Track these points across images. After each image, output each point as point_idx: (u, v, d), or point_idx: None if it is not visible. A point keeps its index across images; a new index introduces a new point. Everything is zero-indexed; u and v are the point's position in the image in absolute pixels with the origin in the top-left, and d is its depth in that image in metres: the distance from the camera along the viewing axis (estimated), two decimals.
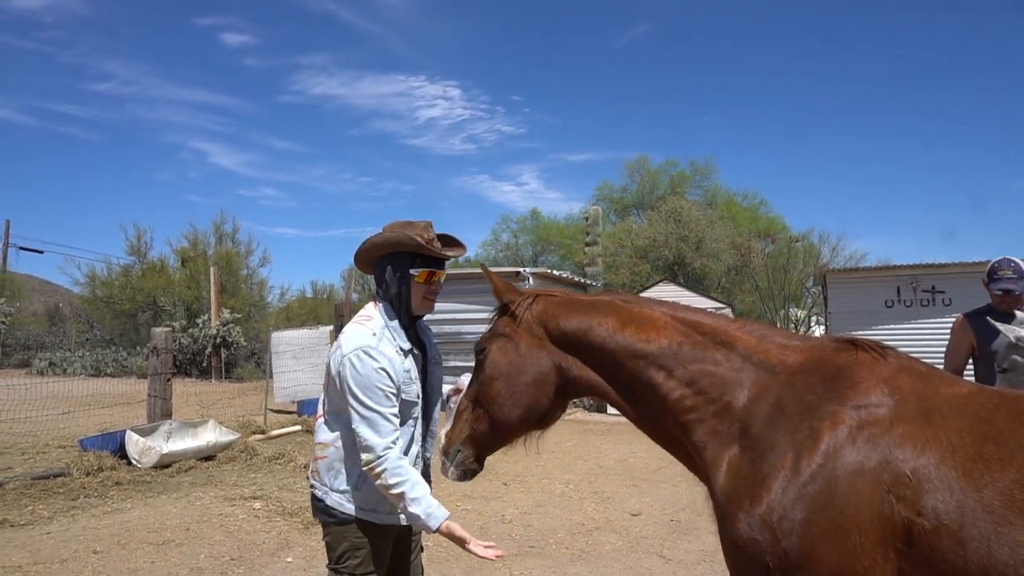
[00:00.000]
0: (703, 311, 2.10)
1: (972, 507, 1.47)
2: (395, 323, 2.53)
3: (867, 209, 62.92)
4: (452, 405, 2.33)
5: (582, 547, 5.70)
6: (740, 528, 1.67)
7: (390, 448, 2.33)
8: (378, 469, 2.32)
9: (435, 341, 2.81)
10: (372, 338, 2.44)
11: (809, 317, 23.76)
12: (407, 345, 2.52)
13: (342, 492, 2.48)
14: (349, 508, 2.48)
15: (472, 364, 2.29)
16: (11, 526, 5.94)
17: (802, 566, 1.58)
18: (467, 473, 2.21)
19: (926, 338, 12.76)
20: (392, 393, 2.39)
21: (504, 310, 2.20)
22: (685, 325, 2.00)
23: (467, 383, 2.29)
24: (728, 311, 19.07)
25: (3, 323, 25.22)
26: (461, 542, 2.29)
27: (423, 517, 2.29)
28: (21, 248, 34.45)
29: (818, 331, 23.46)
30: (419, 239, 2.49)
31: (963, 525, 1.47)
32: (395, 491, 2.32)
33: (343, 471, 2.49)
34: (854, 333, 2.09)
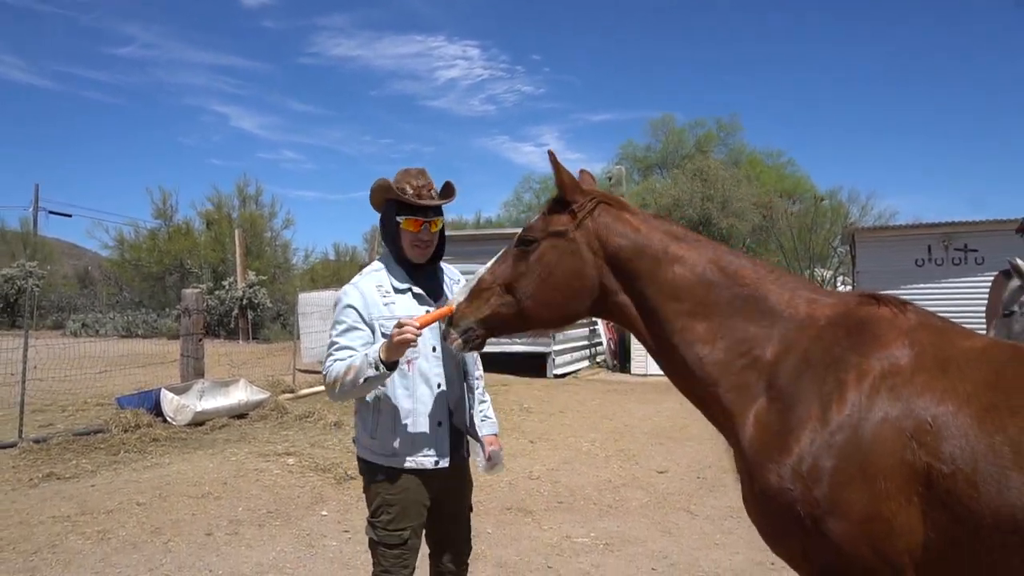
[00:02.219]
0: (745, 258, 2.07)
1: (984, 452, 1.57)
2: (394, 265, 2.61)
3: (898, 166, 61.60)
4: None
5: (610, 503, 5.78)
6: (770, 479, 1.72)
7: (331, 364, 2.43)
8: (328, 380, 2.42)
9: None
10: (357, 278, 2.60)
11: (835, 277, 23.47)
12: (403, 285, 2.56)
13: (365, 443, 2.57)
14: (371, 457, 2.55)
15: None
16: (58, 479, 6.16)
17: (833, 512, 1.64)
18: (471, 347, 2.16)
19: (958, 297, 12.54)
20: (353, 326, 2.47)
21: (563, 205, 2.08)
22: (727, 275, 1.98)
23: (488, 265, 2.17)
24: None
25: (37, 286, 25.76)
26: (395, 346, 2.26)
27: (371, 362, 2.29)
28: (50, 212, 35.11)
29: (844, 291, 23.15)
30: (405, 187, 2.54)
31: (976, 469, 1.56)
32: (346, 376, 2.35)
33: (362, 420, 2.58)
34: (883, 293, 2.07)
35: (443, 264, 2.77)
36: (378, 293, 2.54)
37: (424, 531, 2.63)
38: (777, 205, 26.13)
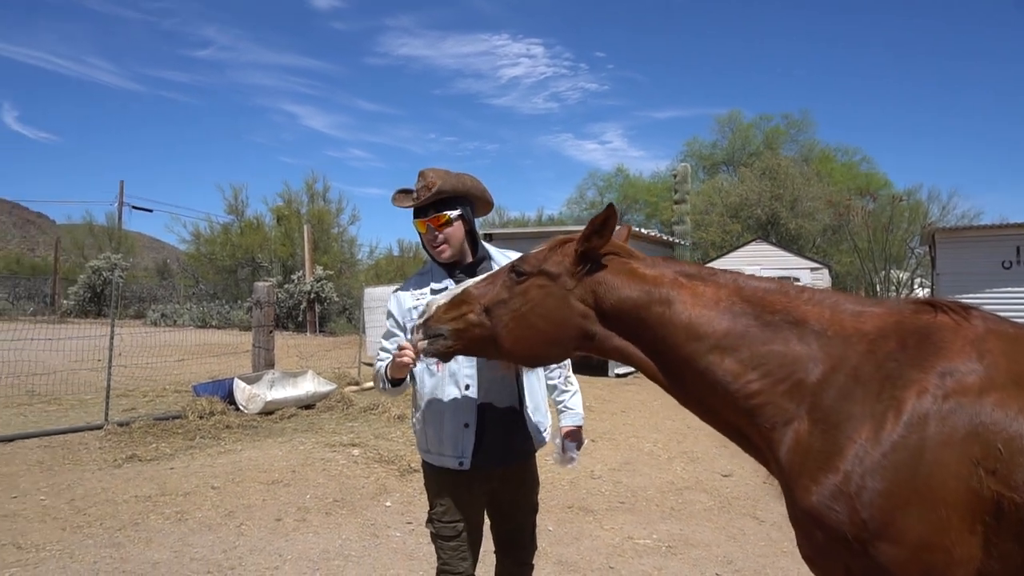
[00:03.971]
0: (772, 282, 1.93)
1: None
2: (436, 266, 2.64)
3: (981, 165, 58.39)
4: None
5: (673, 505, 5.70)
6: (812, 499, 1.61)
7: (375, 366, 2.59)
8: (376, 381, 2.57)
9: None
10: (404, 283, 2.71)
11: (912, 279, 22.48)
12: (440, 285, 2.57)
13: (416, 437, 2.68)
14: (419, 451, 2.67)
15: None
16: (139, 460, 6.49)
17: (883, 536, 1.52)
18: (433, 354, 2.08)
19: None
20: (390, 331, 2.63)
21: (564, 250, 1.99)
22: (753, 304, 1.85)
23: (482, 279, 2.11)
24: (825, 272, 18.29)
25: (121, 277, 27.16)
26: (395, 367, 2.35)
27: (382, 377, 2.50)
28: (133, 207, 36.87)
29: (921, 294, 22.20)
30: (399, 195, 2.59)
31: None
32: (376, 381, 2.54)
33: (413, 415, 2.67)
34: (964, 297, 1.93)
35: (497, 252, 2.72)
36: (411, 296, 2.59)
37: (490, 526, 2.66)
38: (854, 205, 25.19)
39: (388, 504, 5.52)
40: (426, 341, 2.05)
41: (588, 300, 1.94)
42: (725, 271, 1.98)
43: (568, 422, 2.68)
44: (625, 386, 12.35)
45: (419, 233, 2.61)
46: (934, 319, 1.70)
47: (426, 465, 2.64)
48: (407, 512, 5.31)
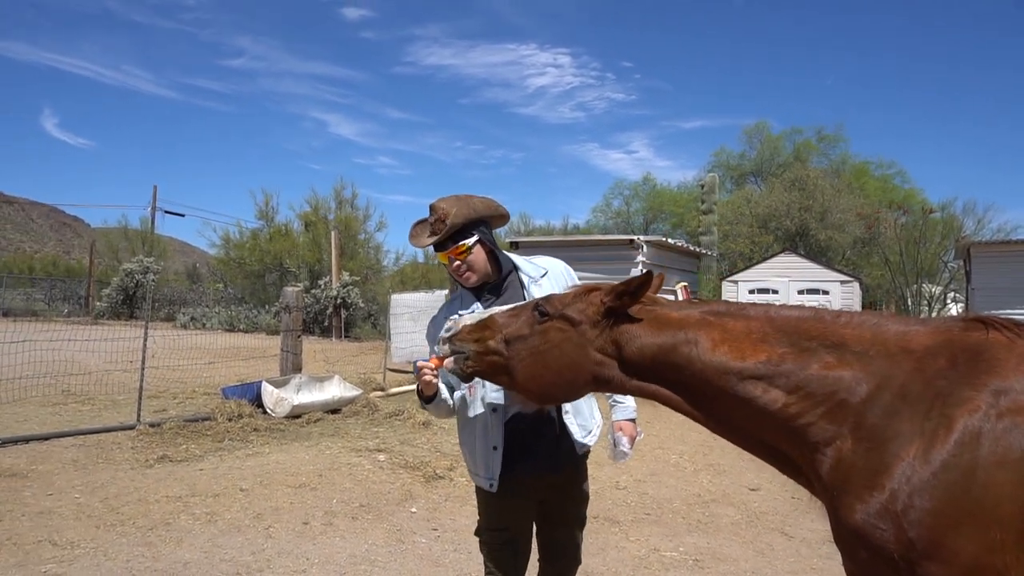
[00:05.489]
0: (806, 310, 1.90)
1: None
2: (464, 290, 2.68)
3: (1019, 178, 57.15)
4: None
5: (699, 518, 5.64)
6: (857, 517, 1.58)
7: None
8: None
9: None
10: (438, 311, 2.74)
11: (945, 294, 22.05)
12: (468, 310, 2.58)
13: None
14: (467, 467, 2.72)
15: None
16: (170, 461, 6.59)
17: (932, 556, 1.49)
18: (458, 370, 2.10)
19: None
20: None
21: (589, 299, 2.01)
22: (787, 333, 1.82)
23: (508, 309, 2.13)
24: (855, 285, 18.00)
25: (153, 280, 27.67)
26: (421, 385, 2.44)
27: (417, 396, 2.58)
28: (166, 212, 37.67)
29: (954, 309, 21.75)
30: (416, 231, 2.64)
31: None
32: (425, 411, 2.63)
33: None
34: (1000, 312, 1.88)
35: (524, 261, 2.73)
36: (444, 323, 2.61)
37: (536, 534, 2.70)
38: (884, 217, 24.83)
39: (414, 510, 5.54)
40: (451, 356, 2.10)
41: (608, 350, 1.95)
42: (755, 304, 1.96)
43: (620, 416, 2.70)
44: None
45: (443, 264, 2.64)
46: (986, 336, 1.65)
47: (476, 487, 2.71)
48: (433, 518, 5.32)
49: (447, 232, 2.51)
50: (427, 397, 2.50)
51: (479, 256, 2.58)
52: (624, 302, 1.95)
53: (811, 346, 1.79)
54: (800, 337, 1.81)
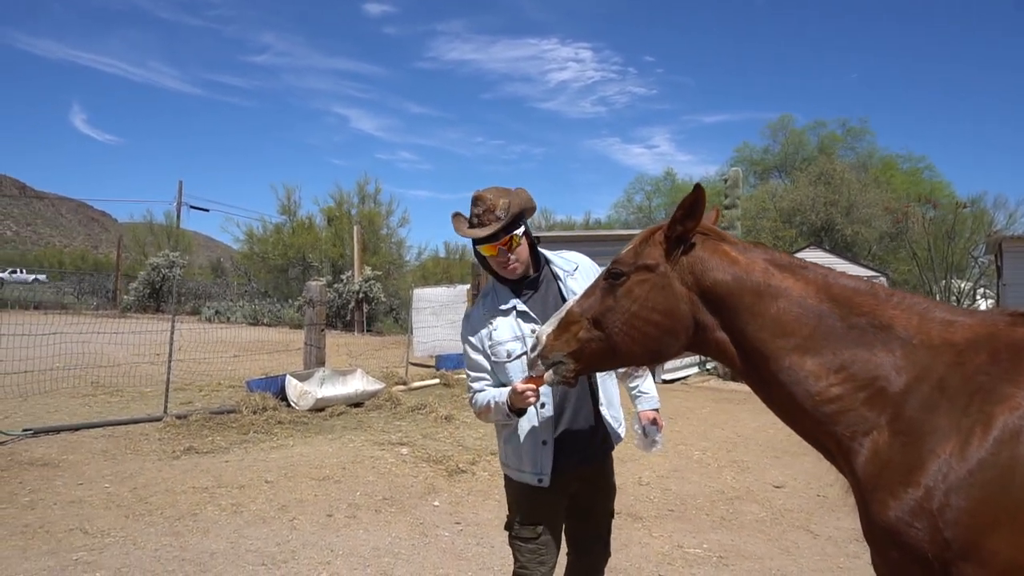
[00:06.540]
0: (862, 282, 1.87)
1: None
2: (499, 285, 2.62)
3: None
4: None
5: (723, 515, 5.59)
6: (890, 515, 1.55)
7: (473, 396, 2.59)
8: (476, 409, 2.57)
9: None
10: (471, 307, 2.66)
11: (975, 289, 21.62)
12: (507, 305, 2.56)
13: (500, 447, 2.69)
14: (501, 463, 2.68)
15: None
16: (196, 452, 6.68)
17: (968, 558, 1.46)
18: (561, 381, 2.07)
19: None
20: (474, 360, 2.61)
21: (654, 239, 1.98)
22: (840, 305, 1.80)
23: (577, 298, 2.11)
24: (882, 280, 17.73)
25: (178, 274, 28.05)
26: (517, 402, 2.34)
27: (503, 410, 2.43)
28: (191, 207, 38.11)
29: (984, 304, 21.34)
30: (463, 223, 2.56)
31: None
32: (488, 412, 2.50)
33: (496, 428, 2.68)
34: None
35: (554, 256, 2.71)
36: (483, 321, 2.59)
37: (565, 527, 2.69)
38: (913, 212, 24.39)
39: (436, 504, 5.56)
40: (550, 371, 2.05)
41: (688, 281, 1.91)
42: (816, 265, 1.93)
43: (645, 406, 2.69)
44: (672, 392, 12.19)
45: (486, 256, 2.55)
46: None
47: (507, 476, 2.67)
48: (455, 512, 5.34)
49: (507, 220, 2.48)
50: (519, 411, 2.44)
51: (525, 248, 2.57)
52: (687, 226, 1.92)
53: (860, 323, 1.76)
54: (851, 311, 1.78)
